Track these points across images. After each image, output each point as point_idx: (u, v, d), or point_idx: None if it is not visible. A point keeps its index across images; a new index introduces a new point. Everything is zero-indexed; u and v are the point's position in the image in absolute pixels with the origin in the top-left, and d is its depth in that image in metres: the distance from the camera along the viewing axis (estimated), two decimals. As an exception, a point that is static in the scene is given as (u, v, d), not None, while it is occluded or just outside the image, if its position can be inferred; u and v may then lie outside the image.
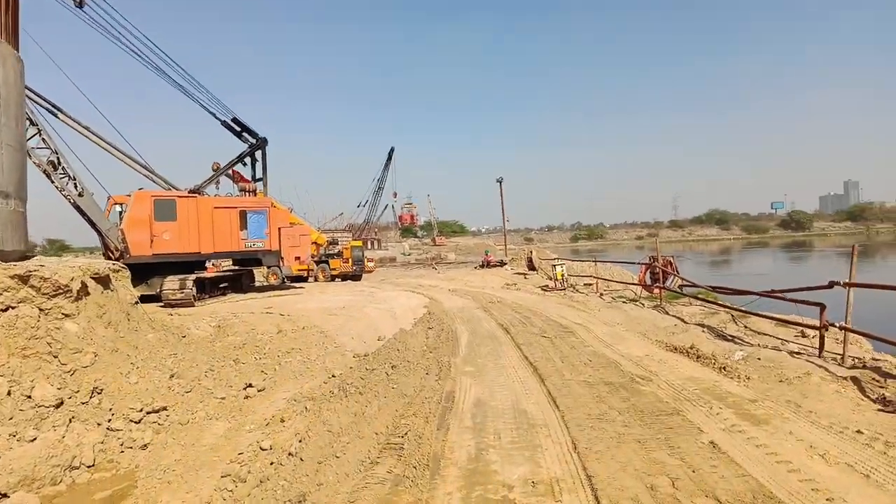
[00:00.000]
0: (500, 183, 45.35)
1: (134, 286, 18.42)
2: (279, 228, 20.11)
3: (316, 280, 28.55)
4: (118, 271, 9.78)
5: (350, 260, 29.20)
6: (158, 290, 16.73)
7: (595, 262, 22.90)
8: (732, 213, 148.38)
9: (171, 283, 16.50)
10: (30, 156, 16.22)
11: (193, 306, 16.46)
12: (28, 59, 8.56)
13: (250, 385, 7.97)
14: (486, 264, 35.87)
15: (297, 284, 24.98)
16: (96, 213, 17.36)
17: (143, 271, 17.70)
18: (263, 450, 5.33)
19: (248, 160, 21.61)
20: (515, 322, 12.46)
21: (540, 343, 9.79)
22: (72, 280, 6.11)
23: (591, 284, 23.31)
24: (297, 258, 20.85)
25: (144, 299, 17.66)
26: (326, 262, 29.05)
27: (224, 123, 20.92)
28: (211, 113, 20.56)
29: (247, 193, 20.46)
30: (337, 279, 28.94)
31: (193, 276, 16.93)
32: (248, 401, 7.42)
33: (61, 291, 5.98)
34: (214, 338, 11.28)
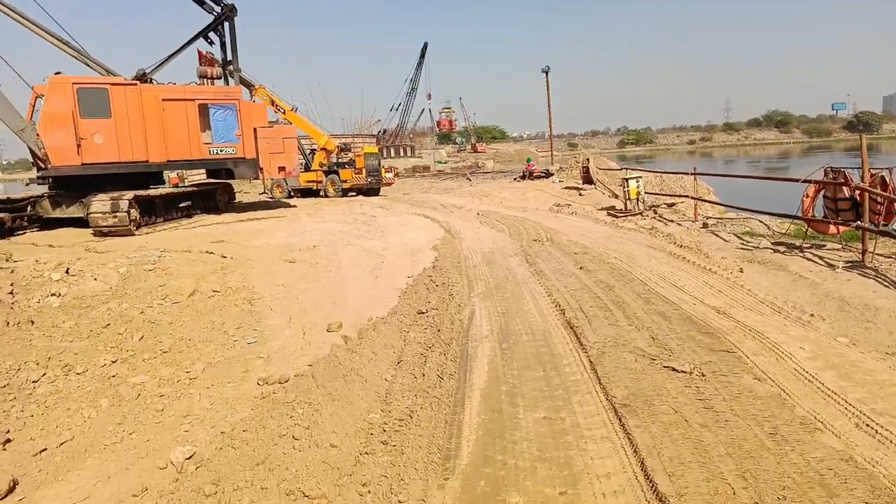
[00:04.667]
0: (547, 74, 38.21)
1: (66, 207, 14.56)
2: (254, 129, 15.22)
3: (325, 195, 23.89)
4: None
5: (363, 171, 23.94)
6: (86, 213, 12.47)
7: (695, 174, 15.79)
8: (793, 115, 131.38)
9: (99, 204, 12.17)
10: None
11: (133, 234, 12.26)
12: None
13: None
14: (528, 175, 29.41)
15: (292, 203, 20.43)
16: (3, 110, 12.88)
17: (77, 187, 13.45)
18: None
19: (215, 38, 16.46)
20: (588, 301, 6.51)
21: (676, 405, 3.94)
22: None
23: (673, 205, 17.43)
24: (282, 168, 16.04)
25: (78, 223, 13.75)
26: (336, 174, 24.08)
27: (178, -15, 15.59)
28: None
29: (209, 81, 15.45)
30: (350, 193, 24.09)
31: (131, 195, 12.52)
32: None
33: None
34: (101, 301, 6.95)
